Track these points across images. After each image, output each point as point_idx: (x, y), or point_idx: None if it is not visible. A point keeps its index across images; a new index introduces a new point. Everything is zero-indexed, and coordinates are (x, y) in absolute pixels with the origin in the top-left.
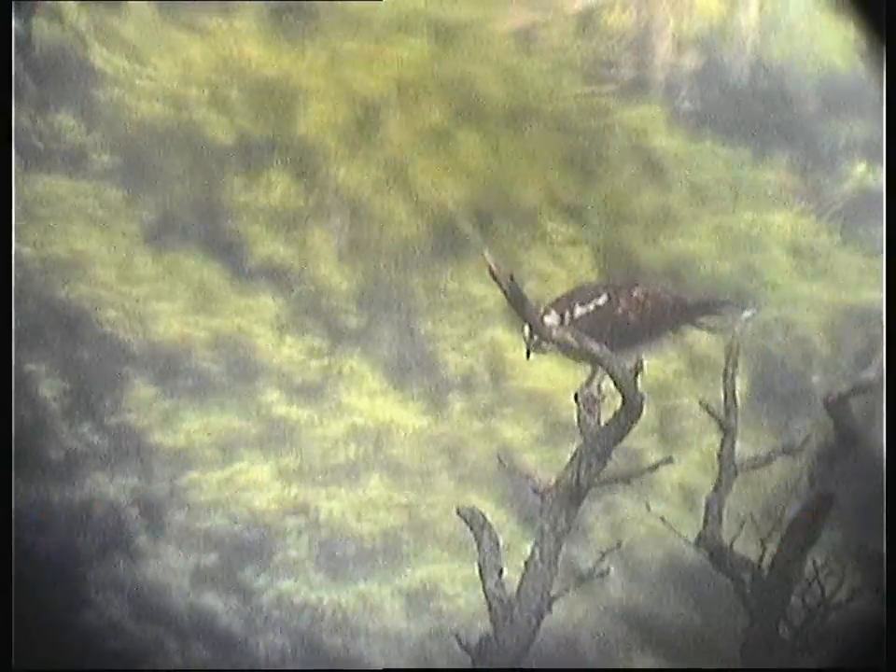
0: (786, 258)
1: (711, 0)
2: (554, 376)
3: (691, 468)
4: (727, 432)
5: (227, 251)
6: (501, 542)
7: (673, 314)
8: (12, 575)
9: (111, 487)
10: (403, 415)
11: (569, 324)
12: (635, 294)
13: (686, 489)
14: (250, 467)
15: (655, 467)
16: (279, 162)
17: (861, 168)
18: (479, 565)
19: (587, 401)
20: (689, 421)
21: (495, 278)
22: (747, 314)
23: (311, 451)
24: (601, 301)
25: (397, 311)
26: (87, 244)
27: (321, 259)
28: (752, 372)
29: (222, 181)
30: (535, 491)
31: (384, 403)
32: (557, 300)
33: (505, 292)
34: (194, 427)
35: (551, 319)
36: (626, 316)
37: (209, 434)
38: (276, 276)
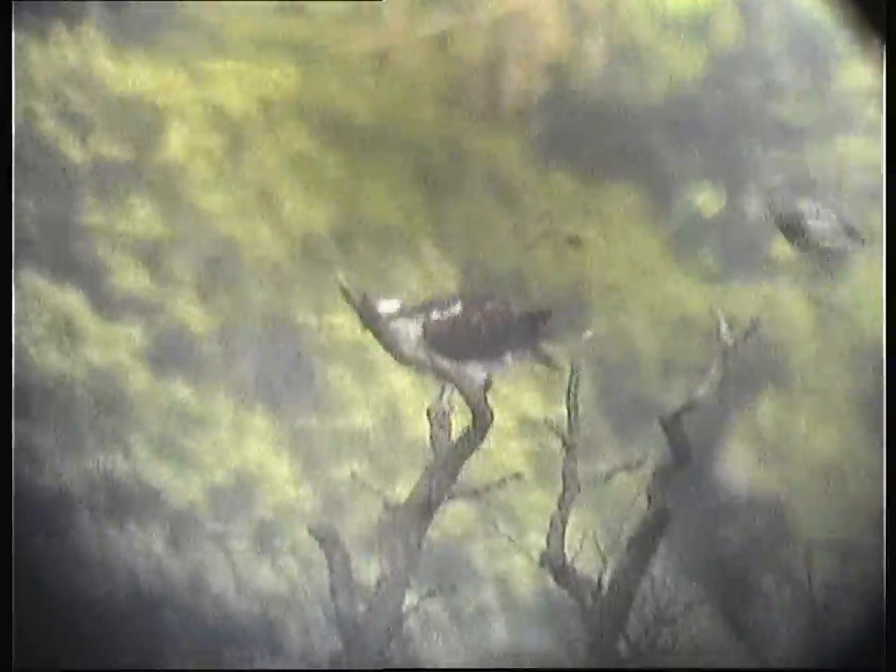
0: (628, 276)
1: (561, 29)
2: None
3: (541, 483)
4: (570, 449)
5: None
6: (353, 559)
7: (520, 329)
8: (12, 575)
9: None
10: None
11: (424, 329)
12: (487, 307)
13: (535, 505)
14: None
15: (503, 482)
16: (140, 186)
17: (701, 195)
18: (329, 582)
19: (438, 417)
20: (539, 437)
21: (347, 298)
22: (587, 334)
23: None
24: (456, 310)
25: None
26: None
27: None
28: (593, 390)
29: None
30: (386, 506)
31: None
32: (414, 307)
33: (358, 312)
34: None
35: (405, 325)
36: (479, 329)
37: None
38: (137, 305)
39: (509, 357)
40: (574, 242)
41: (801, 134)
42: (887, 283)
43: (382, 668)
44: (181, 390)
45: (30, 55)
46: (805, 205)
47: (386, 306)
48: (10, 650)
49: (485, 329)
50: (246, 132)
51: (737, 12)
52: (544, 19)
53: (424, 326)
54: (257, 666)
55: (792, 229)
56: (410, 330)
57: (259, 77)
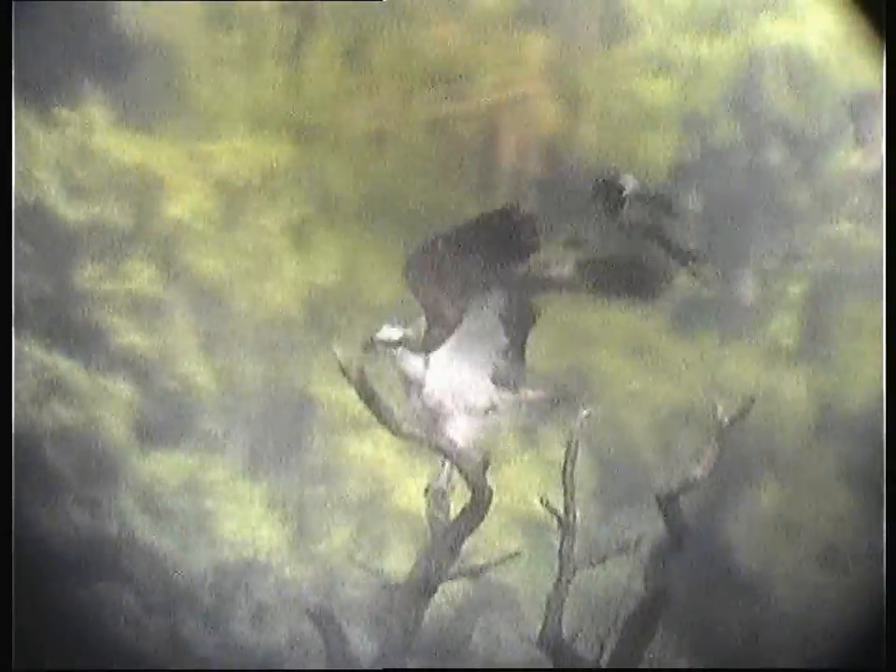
0: (622, 356)
1: (552, 107)
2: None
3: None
4: (566, 529)
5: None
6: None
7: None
8: (12, 575)
9: None
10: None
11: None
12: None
13: (535, 584)
14: None
15: (502, 561)
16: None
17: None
18: (327, 664)
19: (436, 495)
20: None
21: (344, 373)
22: (584, 412)
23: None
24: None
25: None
26: None
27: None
28: (589, 470)
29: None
30: (384, 588)
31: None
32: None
33: (355, 387)
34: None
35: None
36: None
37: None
38: (135, 369)
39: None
40: (574, 242)
41: (793, 217)
42: (887, 297)
43: (381, 668)
44: (176, 457)
45: (31, 134)
46: None
47: (389, 333)
48: (10, 650)
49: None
50: (245, 204)
51: (729, 107)
52: (540, 104)
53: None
54: None
55: None
56: (417, 371)
57: (257, 155)
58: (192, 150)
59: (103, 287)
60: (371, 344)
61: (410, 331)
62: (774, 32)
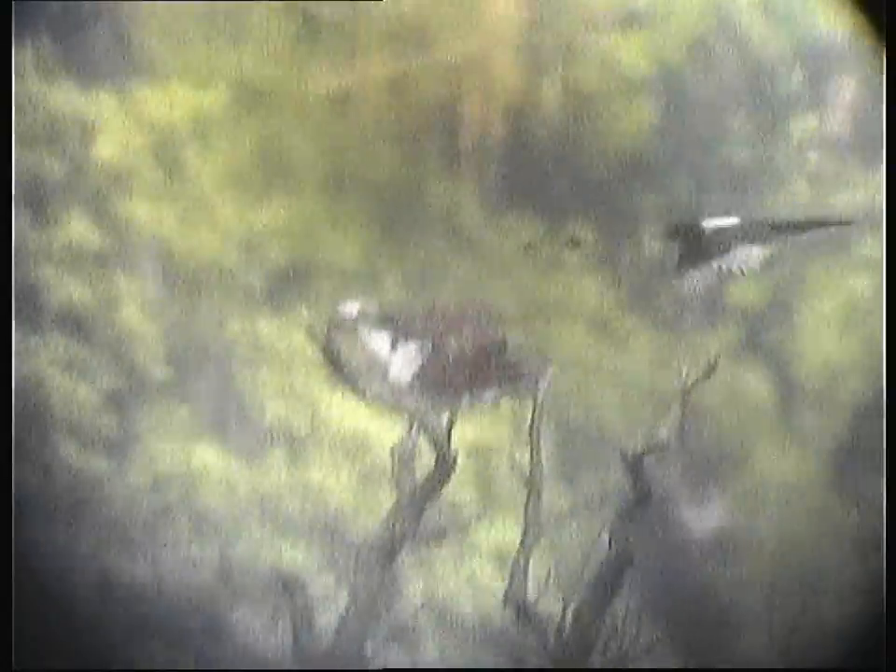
0: (586, 328)
1: (517, 72)
2: (373, 426)
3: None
4: (532, 490)
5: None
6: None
7: (490, 367)
8: (12, 575)
9: None
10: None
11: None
12: (458, 349)
13: (501, 546)
14: None
15: (468, 522)
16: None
17: (657, 243)
18: (292, 621)
19: (403, 457)
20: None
21: (313, 337)
22: (549, 373)
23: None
24: (428, 346)
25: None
26: None
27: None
28: (554, 433)
29: None
30: (350, 545)
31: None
32: (379, 315)
33: (323, 350)
34: None
35: (380, 342)
36: (444, 374)
37: None
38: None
39: (481, 395)
40: (575, 242)
41: (752, 180)
42: (887, 293)
43: (381, 668)
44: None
45: None
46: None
47: (348, 308)
48: (10, 650)
49: (456, 368)
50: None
51: (695, 66)
52: (502, 63)
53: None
54: None
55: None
56: (383, 351)
57: (197, 105)
58: (129, 98)
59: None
60: (331, 329)
61: (369, 307)
62: None
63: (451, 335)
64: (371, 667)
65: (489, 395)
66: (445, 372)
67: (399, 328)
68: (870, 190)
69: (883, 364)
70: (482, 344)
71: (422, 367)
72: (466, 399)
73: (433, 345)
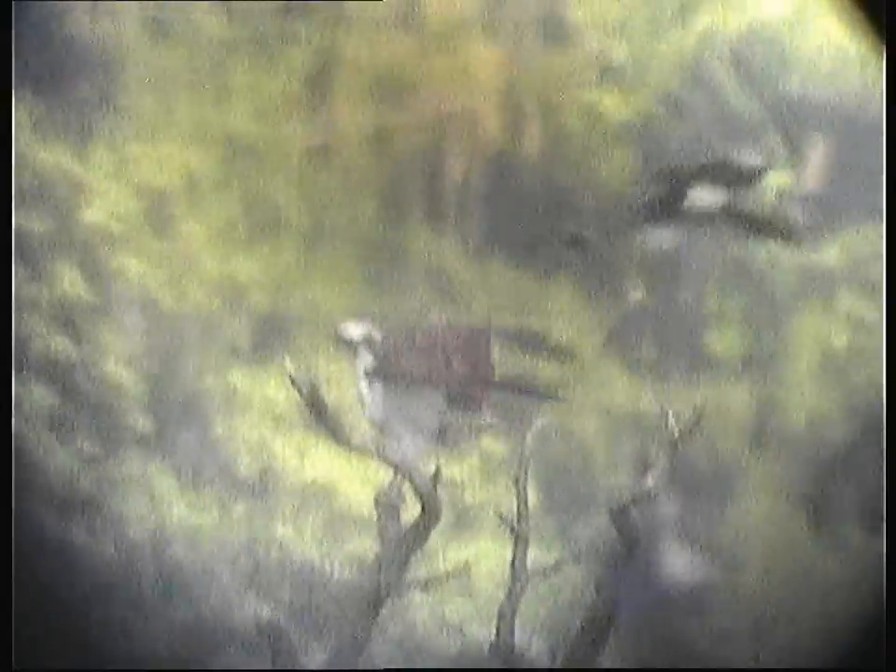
0: (572, 369)
1: (499, 124)
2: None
3: (489, 573)
4: (519, 539)
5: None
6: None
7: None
8: (12, 575)
9: None
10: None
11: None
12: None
13: (485, 596)
14: None
15: (450, 574)
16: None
17: (637, 293)
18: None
19: (387, 508)
20: (486, 527)
21: (294, 385)
22: (538, 423)
23: None
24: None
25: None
26: None
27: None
28: (539, 482)
29: None
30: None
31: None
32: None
33: (305, 399)
34: None
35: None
36: (428, 411)
37: None
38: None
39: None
40: (575, 242)
41: (728, 235)
42: (887, 294)
43: (381, 668)
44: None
45: None
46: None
47: (354, 329)
48: (10, 650)
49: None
50: (171, 210)
51: (670, 116)
52: (484, 118)
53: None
54: None
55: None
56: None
57: (184, 161)
58: (121, 158)
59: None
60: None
61: (374, 332)
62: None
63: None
64: None
65: (475, 439)
66: (427, 416)
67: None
68: (847, 247)
69: (883, 366)
70: (468, 386)
71: (402, 407)
72: (451, 444)
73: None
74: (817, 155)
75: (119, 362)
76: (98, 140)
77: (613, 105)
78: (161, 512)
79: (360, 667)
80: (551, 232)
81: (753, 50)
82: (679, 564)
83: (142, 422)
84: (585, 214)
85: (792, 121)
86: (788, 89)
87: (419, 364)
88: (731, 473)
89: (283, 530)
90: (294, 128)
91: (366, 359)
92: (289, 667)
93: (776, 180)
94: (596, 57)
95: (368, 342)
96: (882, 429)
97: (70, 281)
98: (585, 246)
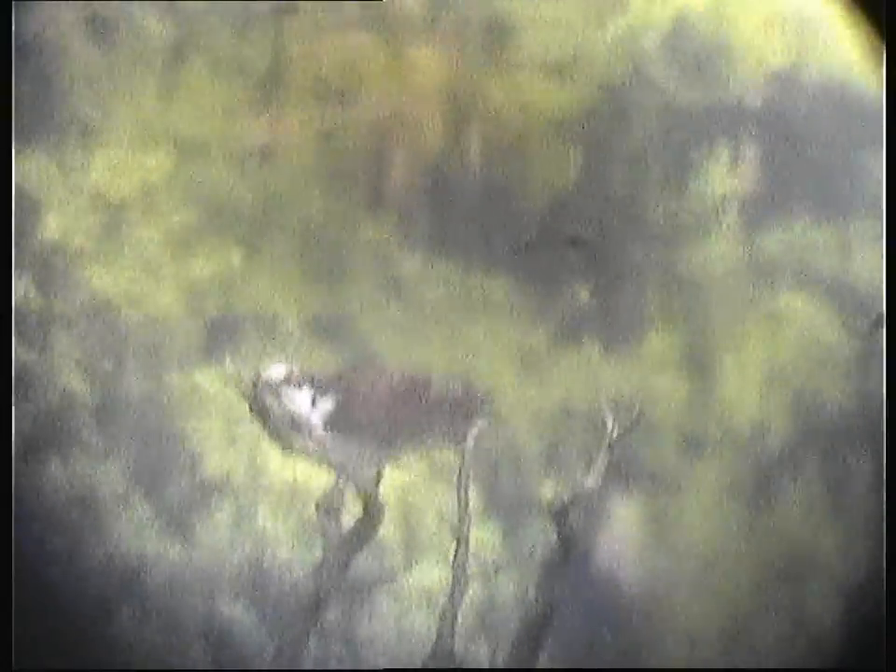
0: (511, 366)
1: (440, 123)
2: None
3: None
4: (460, 541)
5: None
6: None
7: (418, 413)
8: (12, 575)
9: None
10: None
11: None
12: (382, 398)
13: (429, 597)
14: None
15: (394, 575)
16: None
17: (584, 291)
18: None
19: (329, 510)
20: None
21: (236, 384)
22: (478, 425)
23: None
24: (342, 398)
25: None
26: None
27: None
28: (479, 482)
29: None
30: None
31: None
32: (305, 377)
33: (247, 400)
34: None
35: (300, 399)
36: (369, 422)
37: None
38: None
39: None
40: (575, 243)
41: (670, 234)
42: (887, 305)
43: (381, 668)
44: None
45: None
46: None
47: (274, 372)
48: (10, 650)
49: (378, 417)
50: (126, 215)
51: (611, 113)
52: (426, 117)
53: (320, 407)
54: None
55: None
56: (304, 413)
57: (137, 168)
58: (67, 163)
59: None
60: (257, 384)
61: (294, 368)
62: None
63: (372, 385)
64: None
65: (416, 442)
66: (368, 421)
67: (319, 384)
68: (788, 246)
69: (883, 369)
70: (406, 392)
71: (342, 417)
72: (393, 448)
73: (353, 396)
74: (756, 155)
75: (72, 369)
76: (40, 145)
77: (554, 101)
78: (117, 517)
79: (305, 666)
80: (493, 232)
81: (688, 41)
82: (620, 563)
83: (94, 426)
84: (527, 215)
85: (729, 121)
86: (723, 84)
87: (358, 413)
88: (672, 472)
89: (233, 529)
90: (240, 128)
91: (297, 397)
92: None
93: (717, 180)
94: (537, 54)
95: (287, 380)
96: (824, 429)
97: (24, 289)
98: (528, 247)
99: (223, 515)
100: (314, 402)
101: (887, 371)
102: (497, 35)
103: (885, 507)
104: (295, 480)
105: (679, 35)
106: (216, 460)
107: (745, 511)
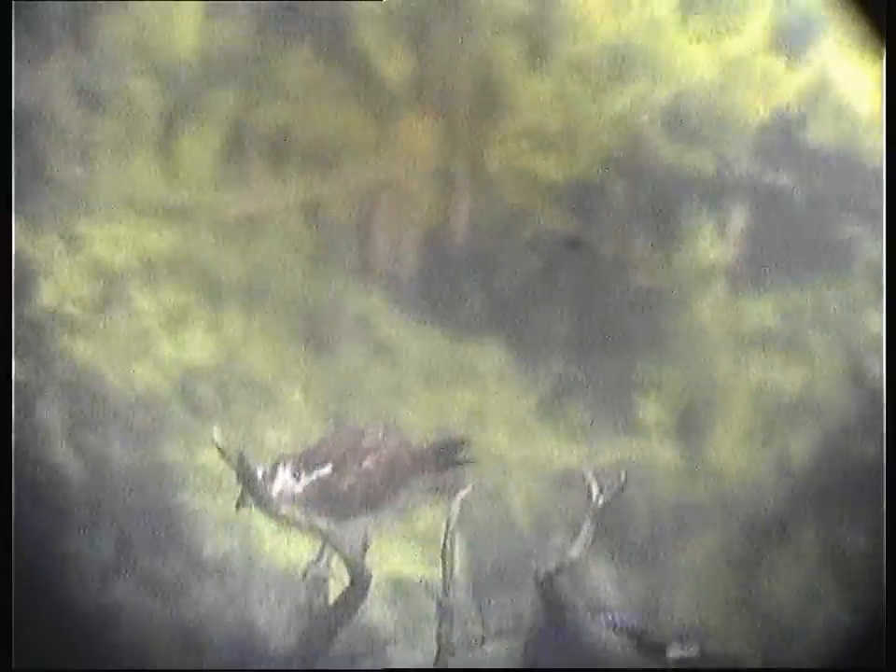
0: (502, 434)
1: (429, 193)
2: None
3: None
4: (445, 612)
5: None
6: None
7: (403, 479)
8: (12, 575)
9: None
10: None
11: (297, 490)
12: (364, 465)
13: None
14: None
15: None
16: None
17: (562, 363)
18: None
19: (314, 580)
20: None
21: (223, 456)
22: (463, 492)
23: None
24: (325, 471)
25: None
26: None
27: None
28: (466, 550)
29: None
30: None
31: None
32: (292, 457)
33: (235, 471)
34: None
35: (283, 478)
36: (353, 492)
37: None
38: None
39: (403, 497)
40: (576, 243)
41: (655, 301)
42: (887, 299)
43: (380, 668)
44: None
45: None
46: None
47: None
48: (10, 650)
49: (361, 491)
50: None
51: (605, 183)
52: (413, 188)
53: (304, 481)
54: None
55: None
56: (287, 487)
57: (133, 239)
58: (66, 235)
59: None
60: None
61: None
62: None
63: (356, 455)
64: None
65: (401, 510)
66: (354, 489)
67: (305, 454)
68: (776, 310)
69: (884, 372)
70: (392, 459)
71: (328, 486)
72: (379, 515)
73: (337, 466)
74: (740, 227)
75: (57, 442)
76: (34, 211)
77: (547, 171)
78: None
79: None
80: (480, 299)
81: (684, 115)
82: (607, 633)
83: (83, 500)
84: (515, 282)
85: (719, 188)
86: (718, 154)
87: (344, 482)
88: (661, 539)
89: (221, 595)
90: (226, 197)
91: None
92: None
93: (703, 251)
94: (531, 125)
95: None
96: (818, 494)
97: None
98: (516, 313)
99: (220, 596)
100: (300, 472)
101: (887, 381)
102: (490, 105)
103: (885, 507)
104: (287, 555)
105: (676, 110)
106: (210, 544)
107: (736, 577)
